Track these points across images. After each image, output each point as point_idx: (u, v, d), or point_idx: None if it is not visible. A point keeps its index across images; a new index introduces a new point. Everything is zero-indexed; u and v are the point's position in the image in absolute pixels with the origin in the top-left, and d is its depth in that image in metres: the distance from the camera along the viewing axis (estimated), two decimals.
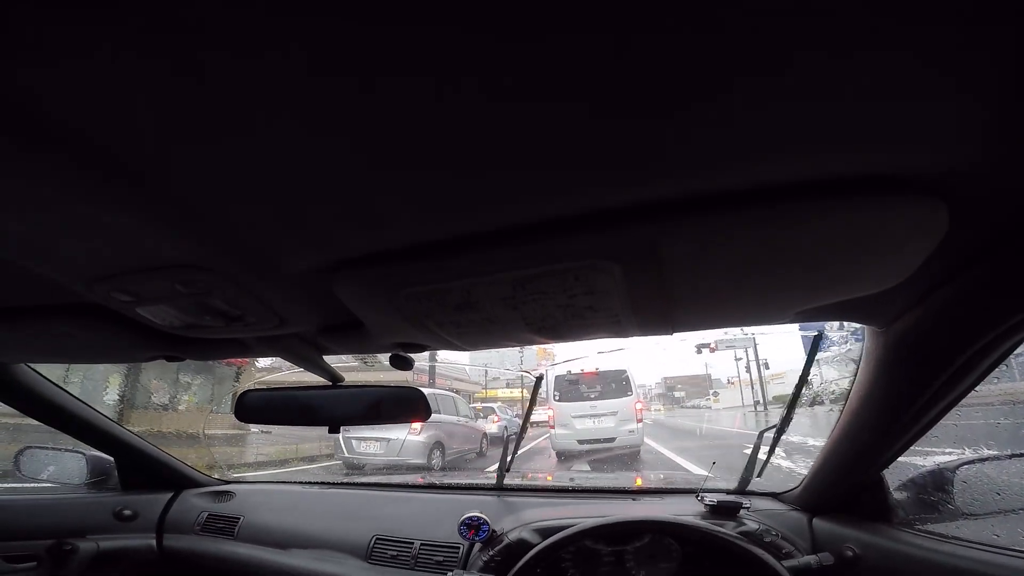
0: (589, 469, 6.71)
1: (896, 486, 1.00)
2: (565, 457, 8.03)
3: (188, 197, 0.42)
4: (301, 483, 1.93)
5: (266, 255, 0.52)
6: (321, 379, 1.05)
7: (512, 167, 0.39)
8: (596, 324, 0.64)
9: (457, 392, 13.15)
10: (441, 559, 1.31)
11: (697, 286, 0.54)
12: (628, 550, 1.15)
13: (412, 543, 1.37)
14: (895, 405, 0.82)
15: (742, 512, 1.16)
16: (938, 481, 0.97)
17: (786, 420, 1.29)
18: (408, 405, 1.06)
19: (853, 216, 0.43)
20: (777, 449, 1.34)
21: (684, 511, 1.19)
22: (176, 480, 1.81)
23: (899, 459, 0.97)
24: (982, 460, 0.98)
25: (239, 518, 1.62)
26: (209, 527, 1.64)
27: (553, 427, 8.57)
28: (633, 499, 1.46)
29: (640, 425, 8.23)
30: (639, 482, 1.83)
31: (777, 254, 0.47)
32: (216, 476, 1.95)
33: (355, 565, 1.38)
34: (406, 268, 0.52)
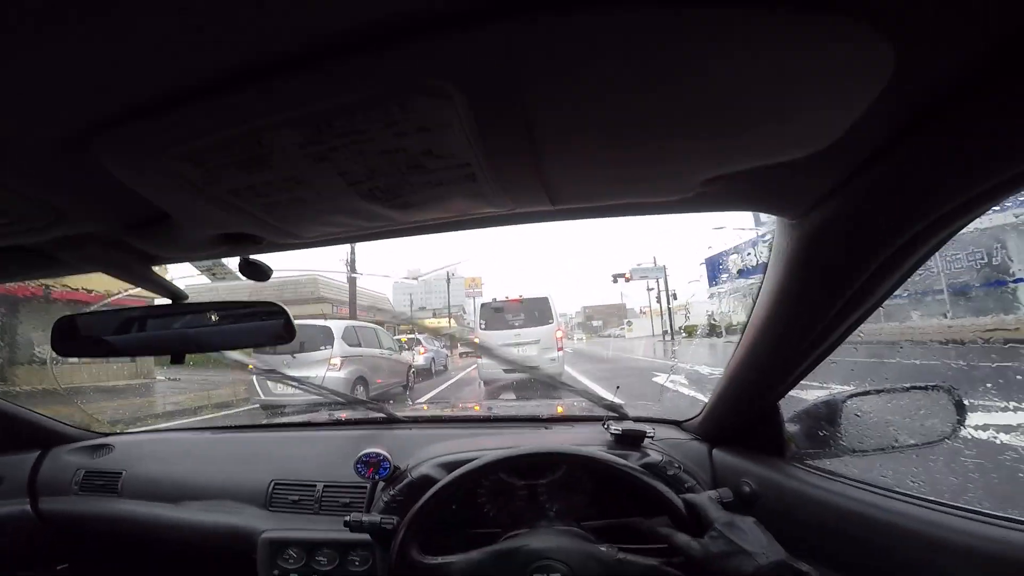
0: (515, 398, 7.01)
1: (790, 417, 1.02)
2: (492, 387, 8.30)
3: None
4: (189, 430, 1.79)
5: None
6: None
7: None
8: (447, 182, 0.51)
9: (381, 324, 12.97)
10: (348, 501, 1.25)
11: (572, 126, 0.43)
12: (542, 483, 1.14)
13: (315, 486, 1.30)
14: (801, 314, 0.77)
15: (646, 441, 1.16)
16: (829, 413, 0.99)
17: None
18: (269, 325, 0.88)
19: (778, 34, 0.34)
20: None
21: (592, 440, 1.18)
22: (41, 437, 1.63)
23: (791, 394, 0.99)
24: (870, 392, 1.01)
25: (121, 472, 1.49)
26: (88, 485, 1.50)
27: (480, 357, 8.76)
28: (546, 428, 1.46)
29: (561, 354, 8.60)
30: (560, 410, 1.82)
31: (679, 76, 0.37)
32: (94, 429, 1.78)
33: (253, 514, 1.30)
34: (172, 116, 0.40)
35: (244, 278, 0.80)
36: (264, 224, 0.61)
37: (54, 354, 0.88)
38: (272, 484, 1.33)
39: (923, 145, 0.48)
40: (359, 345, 7.65)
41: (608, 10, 0.32)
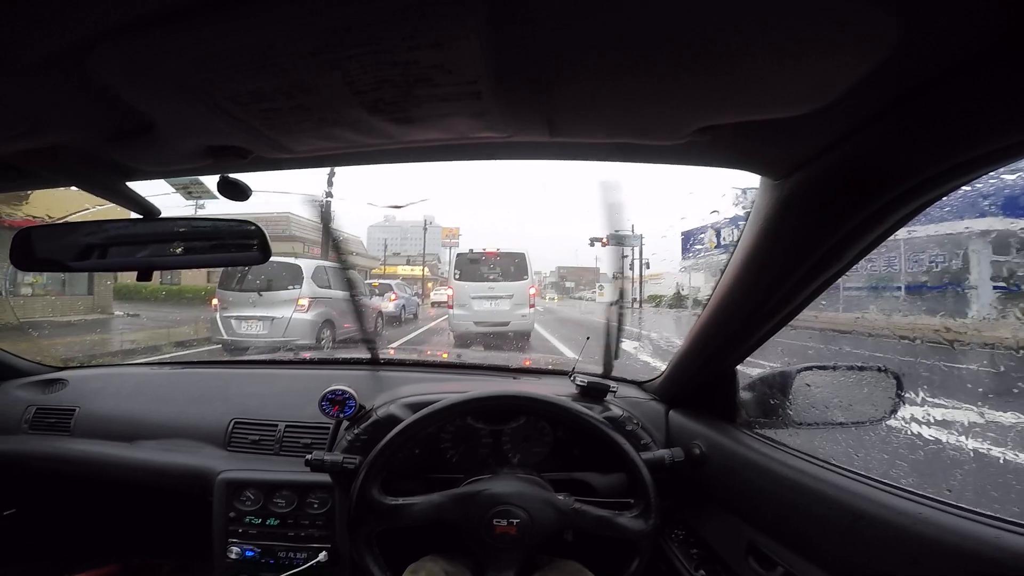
0: (484, 351, 7.07)
1: (744, 385, 1.06)
2: (461, 340, 8.35)
3: None
4: (148, 364, 1.74)
5: None
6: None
7: None
8: (452, 99, 0.51)
9: (354, 267, 12.75)
10: (309, 441, 1.24)
11: (582, 54, 0.44)
12: (505, 431, 1.17)
13: (276, 425, 1.28)
14: (769, 276, 0.79)
15: (609, 396, 1.19)
16: (782, 382, 1.03)
17: None
18: (243, 243, 0.87)
19: None
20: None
21: (558, 392, 1.19)
22: None
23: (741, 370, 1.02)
24: (824, 367, 1.05)
25: (74, 409, 1.42)
26: (39, 423, 1.43)
27: (452, 307, 8.78)
28: (514, 378, 1.49)
29: (532, 311, 8.70)
30: (528, 362, 1.83)
31: (689, 17, 0.39)
32: (47, 363, 1.68)
33: (211, 454, 1.28)
34: (179, 24, 0.39)
35: (221, 197, 0.78)
36: (257, 135, 0.60)
37: (8, 284, 0.84)
38: (232, 423, 1.31)
39: (907, 119, 0.50)
40: (329, 287, 7.49)
41: None
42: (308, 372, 1.56)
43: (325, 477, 1.09)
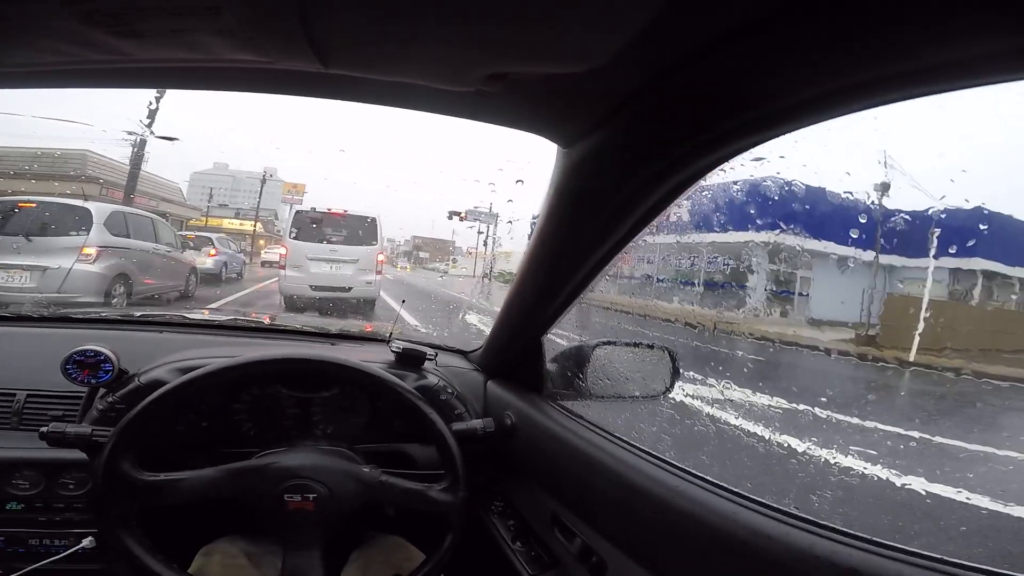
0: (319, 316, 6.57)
1: (552, 357, 1.11)
2: (292, 305, 7.64)
3: None
4: None
5: None
6: None
7: None
8: (184, 12, 0.44)
9: (164, 216, 10.79)
10: (60, 414, 0.98)
11: None
12: (315, 400, 1.06)
13: (14, 395, 1.04)
14: (559, 245, 0.80)
15: (427, 364, 1.15)
16: (580, 356, 1.09)
17: None
18: None
19: None
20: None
21: (375, 358, 1.12)
22: None
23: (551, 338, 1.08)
24: (616, 343, 1.14)
25: None
26: None
27: (284, 268, 7.97)
28: (332, 343, 1.37)
29: (379, 278, 8.35)
30: (346, 329, 1.71)
31: None
32: None
33: None
34: None
35: None
36: None
37: None
38: None
39: (679, 86, 0.52)
40: (127, 236, 6.19)
41: None
42: (74, 332, 1.25)
43: (80, 454, 0.91)
